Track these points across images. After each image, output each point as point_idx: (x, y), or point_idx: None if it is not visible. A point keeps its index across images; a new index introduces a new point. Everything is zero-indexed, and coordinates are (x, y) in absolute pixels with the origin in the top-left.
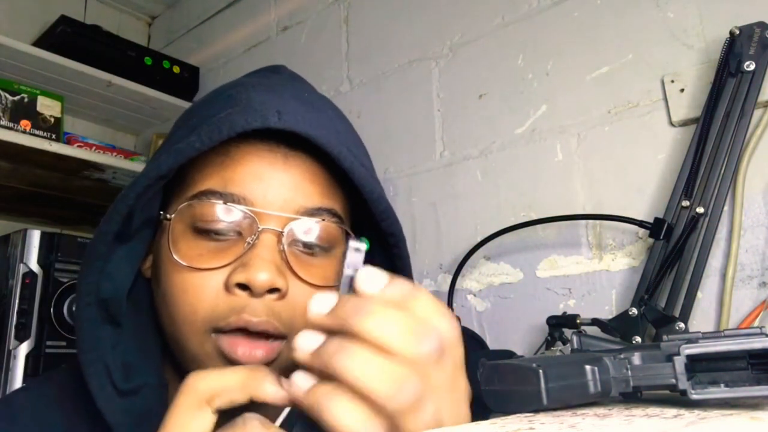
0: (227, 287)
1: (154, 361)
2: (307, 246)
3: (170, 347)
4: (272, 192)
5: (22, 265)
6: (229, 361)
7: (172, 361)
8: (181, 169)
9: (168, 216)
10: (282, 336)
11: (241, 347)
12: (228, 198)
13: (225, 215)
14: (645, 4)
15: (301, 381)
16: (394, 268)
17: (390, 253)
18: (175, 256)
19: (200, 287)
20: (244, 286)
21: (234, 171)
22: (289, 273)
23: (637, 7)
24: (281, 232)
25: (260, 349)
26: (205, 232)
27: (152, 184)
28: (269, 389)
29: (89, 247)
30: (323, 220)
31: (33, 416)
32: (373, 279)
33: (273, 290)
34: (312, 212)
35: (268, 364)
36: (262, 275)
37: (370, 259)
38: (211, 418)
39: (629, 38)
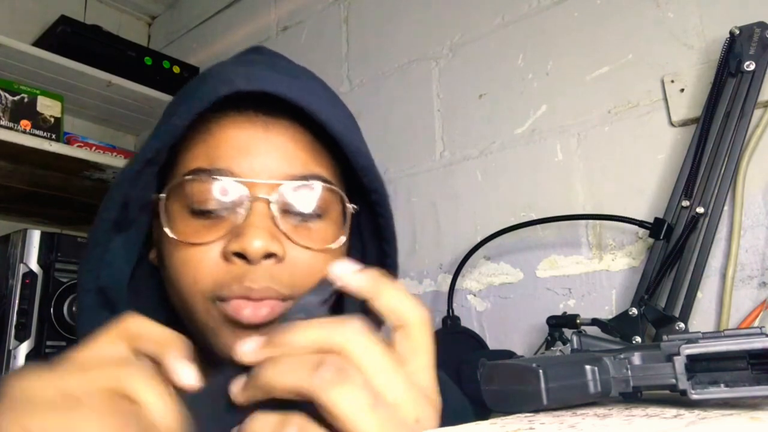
0: (225, 257)
1: None
2: (300, 212)
3: (177, 325)
4: (258, 162)
5: (22, 265)
6: (236, 324)
7: None
8: (172, 152)
9: (161, 196)
10: (286, 297)
11: (245, 309)
12: (215, 173)
13: (215, 191)
14: (645, 4)
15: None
16: (378, 227)
17: (374, 212)
18: (171, 235)
19: (200, 260)
20: (241, 255)
21: (217, 147)
22: (284, 238)
23: (637, 7)
24: (270, 200)
25: (264, 308)
26: (198, 211)
27: (142, 168)
28: (177, 365)
29: (89, 236)
30: (311, 187)
31: None
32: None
33: (270, 256)
34: (299, 179)
35: (272, 322)
36: (256, 242)
37: (357, 222)
38: (120, 351)
39: (629, 38)
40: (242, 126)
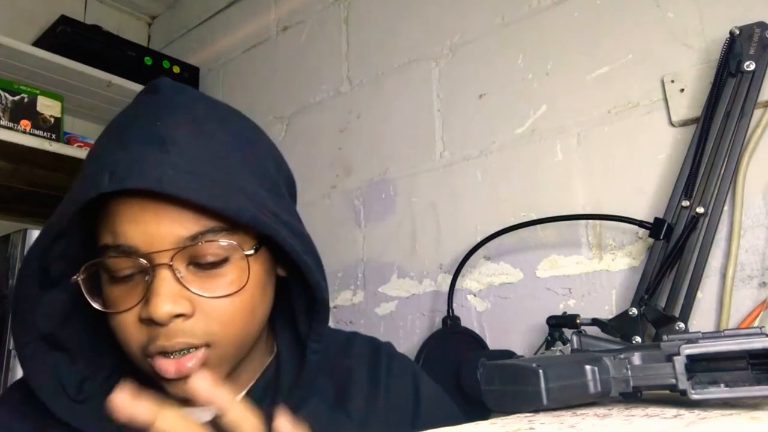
0: (141, 321)
1: (107, 371)
2: (203, 265)
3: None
4: (150, 232)
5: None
6: (167, 381)
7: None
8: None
9: (80, 278)
10: (204, 344)
11: (169, 367)
12: (119, 249)
13: (123, 264)
14: (645, 4)
15: None
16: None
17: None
18: (97, 306)
19: (125, 326)
20: (151, 320)
21: (115, 224)
22: (191, 294)
23: (637, 7)
24: (171, 265)
25: (188, 362)
26: (115, 278)
27: (52, 242)
28: None
29: (12, 301)
30: (203, 242)
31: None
32: None
33: (178, 315)
34: (191, 238)
35: (200, 369)
36: (161, 309)
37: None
38: None
39: (629, 38)
40: (131, 202)
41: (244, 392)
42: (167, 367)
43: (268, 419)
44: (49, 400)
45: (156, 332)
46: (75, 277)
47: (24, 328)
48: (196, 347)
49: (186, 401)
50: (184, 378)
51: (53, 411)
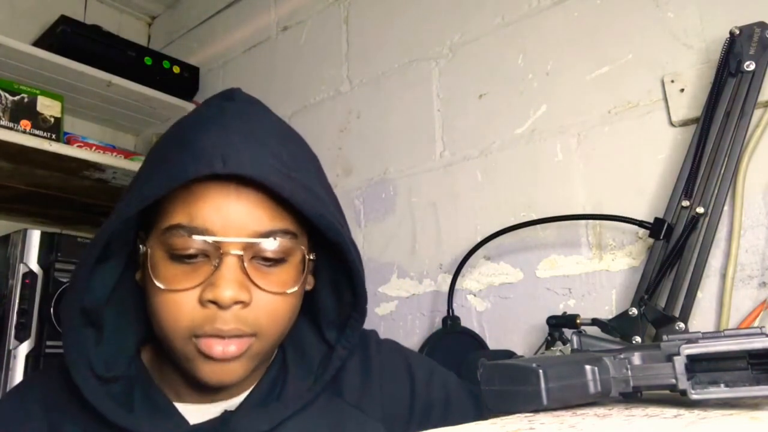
0: (201, 302)
1: (129, 356)
2: (265, 259)
3: (155, 343)
4: (229, 221)
5: (22, 265)
6: (209, 358)
7: (153, 352)
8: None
9: (145, 247)
10: (251, 334)
11: (217, 346)
12: (194, 230)
13: (193, 245)
14: (645, 4)
15: None
16: (346, 271)
17: (344, 258)
18: (156, 282)
19: (179, 304)
20: (214, 302)
21: (196, 206)
22: (251, 285)
23: (637, 7)
24: (240, 255)
25: (233, 345)
26: (178, 257)
27: (122, 224)
28: None
29: (75, 270)
30: (275, 239)
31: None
32: None
33: (238, 302)
34: (264, 234)
35: (240, 355)
36: (227, 293)
37: (317, 265)
38: None
39: (629, 38)
40: (217, 189)
41: (253, 386)
42: (215, 346)
43: (275, 413)
44: (78, 376)
45: (214, 315)
46: (143, 247)
47: (73, 298)
48: (245, 335)
49: (213, 390)
50: (225, 360)
51: (81, 389)
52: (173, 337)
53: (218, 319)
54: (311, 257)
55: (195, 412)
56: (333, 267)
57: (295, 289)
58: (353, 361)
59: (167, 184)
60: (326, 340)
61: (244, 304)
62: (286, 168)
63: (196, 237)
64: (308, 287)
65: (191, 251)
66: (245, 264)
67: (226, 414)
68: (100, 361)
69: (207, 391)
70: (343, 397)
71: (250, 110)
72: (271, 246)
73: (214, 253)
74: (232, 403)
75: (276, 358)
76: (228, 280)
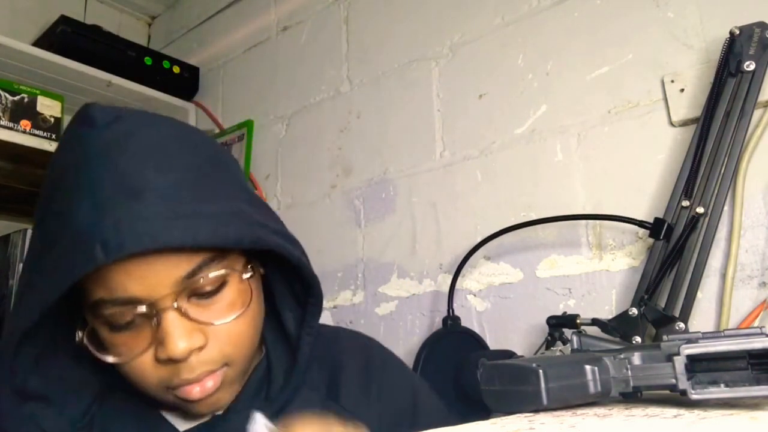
0: (159, 362)
1: (88, 400)
2: (203, 294)
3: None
4: (147, 280)
5: (22, 265)
6: (191, 403)
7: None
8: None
9: (80, 334)
10: (222, 365)
11: (194, 389)
12: (118, 302)
13: (125, 314)
14: (645, 4)
15: None
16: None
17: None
18: (106, 357)
19: (139, 369)
20: (170, 359)
21: (108, 280)
22: (200, 325)
23: (637, 7)
24: (175, 306)
25: (209, 381)
26: (117, 327)
27: (30, 327)
28: None
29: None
30: (201, 276)
31: None
32: None
33: (194, 349)
34: (189, 275)
35: (221, 386)
36: (178, 348)
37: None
38: None
39: (629, 38)
40: (118, 264)
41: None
42: (192, 390)
43: (265, 414)
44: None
45: (177, 368)
46: (79, 337)
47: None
48: (217, 369)
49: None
50: (207, 396)
51: None
52: (148, 391)
53: (183, 371)
54: (249, 269)
55: (182, 419)
56: (278, 263)
57: (248, 306)
58: (353, 367)
59: (60, 284)
60: (289, 334)
61: (201, 346)
62: (179, 201)
63: (121, 309)
64: (260, 272)
65: (128, 319)
66: (186, 310)
67: (215, 418)
68: (56, 426)
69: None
70: (339, 402)
71: (115, 137)
72: (200, 282)
73: (150, 313)
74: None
75: (261, 360)
76: (175, 335)
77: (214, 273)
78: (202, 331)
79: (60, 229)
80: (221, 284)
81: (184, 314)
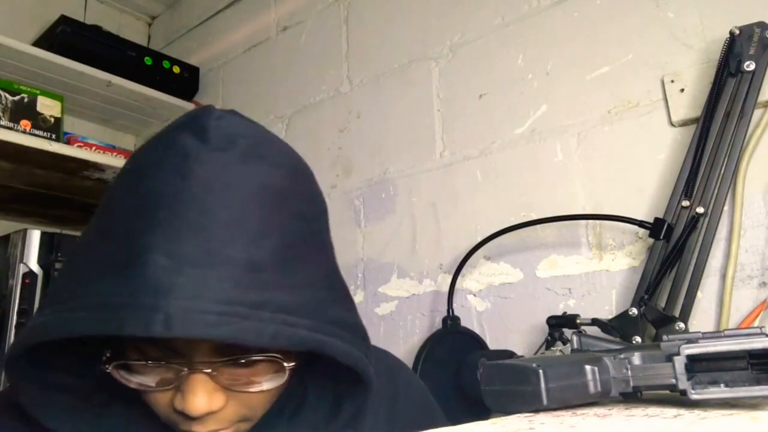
0: (174, 407)
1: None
2: (235, 362)
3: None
4: (194, 350)
5: (22, 265)
6: None
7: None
8: None
9: (107, 367)
10: (237, 421)
11: None
12: (159, 357)
13: (156, 368)
14: (645, 4)
15: None
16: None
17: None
18: (134, 386)
19: (153, 400)
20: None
21: (158, 339)
22: (223, 390)
23: (637, 7)
24: (208, 371)
25: None
26: (148, 361)
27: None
28: None
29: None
30: (244, 359)
31: None
32: None
33: (211, 412)
34: (234, 360)
35: None
36: (197, 408)
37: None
38: None
39: (629, 38)
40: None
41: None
42: None
43: None
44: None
45: (189, 419)
46: (106, 368)
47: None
48: (229, 427)
49: None
50: None
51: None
52: (158, 416)
53: (194, 423)
54: (292, 364)
55: None
56: None
57: (276, 383)
58: (379, 394)
59: (98, 327)
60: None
61: (220, 408)
62: (256, 288)
63: (156, 352)
64: None
65: (162, 362)
66: (216, 373)
67: None
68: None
69: None
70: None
71: (217, 174)
72: (241, 362)
73: (180, 369)
74: None
75: (292, 388)
76: (197, 395)
77: (257, 357)
78: (224, 392)
79: (119, 266)
80: (251, 359)
81: (213, 377)
